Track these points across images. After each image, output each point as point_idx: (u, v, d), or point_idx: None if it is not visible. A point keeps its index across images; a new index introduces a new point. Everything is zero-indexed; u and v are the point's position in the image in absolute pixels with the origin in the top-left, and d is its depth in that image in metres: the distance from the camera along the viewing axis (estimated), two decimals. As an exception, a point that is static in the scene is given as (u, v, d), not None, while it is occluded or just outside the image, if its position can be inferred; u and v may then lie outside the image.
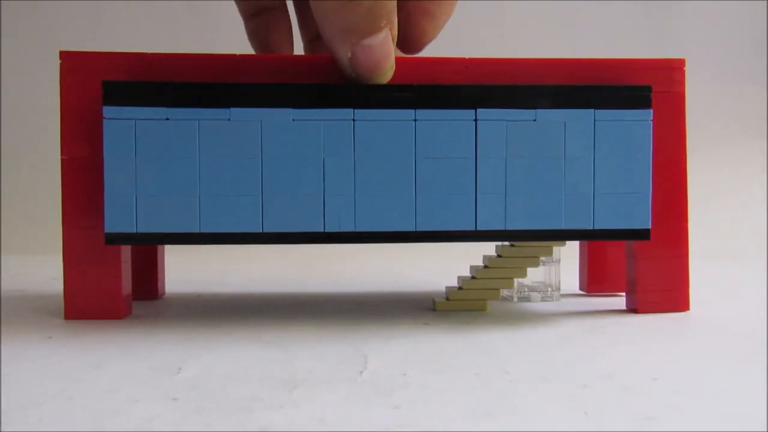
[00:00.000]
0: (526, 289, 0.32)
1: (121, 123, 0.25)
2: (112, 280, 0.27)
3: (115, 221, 0.25)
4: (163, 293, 0.34)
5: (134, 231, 0.26)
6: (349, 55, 0.25)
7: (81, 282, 0.27)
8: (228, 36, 0.45)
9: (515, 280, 0.30)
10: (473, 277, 0.30)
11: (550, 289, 0.32)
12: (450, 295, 0.30)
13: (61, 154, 0.27)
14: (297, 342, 0.23)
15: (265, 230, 0.26)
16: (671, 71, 0.29)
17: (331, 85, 0.26)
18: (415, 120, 0.26)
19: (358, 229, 0.26)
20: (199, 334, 0.24)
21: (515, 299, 0.32)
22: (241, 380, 0.18)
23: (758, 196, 0.70)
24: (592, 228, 0.27)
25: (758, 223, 0.65)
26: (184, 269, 0.45)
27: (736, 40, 0.76)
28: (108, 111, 0.25)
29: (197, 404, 0.16)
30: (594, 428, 0.15)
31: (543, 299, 0.32)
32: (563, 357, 0.21)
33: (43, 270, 0.43)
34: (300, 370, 0.20)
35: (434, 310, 0.30)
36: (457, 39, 0.46)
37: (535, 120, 0.27)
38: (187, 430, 0.15)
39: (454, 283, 0.31)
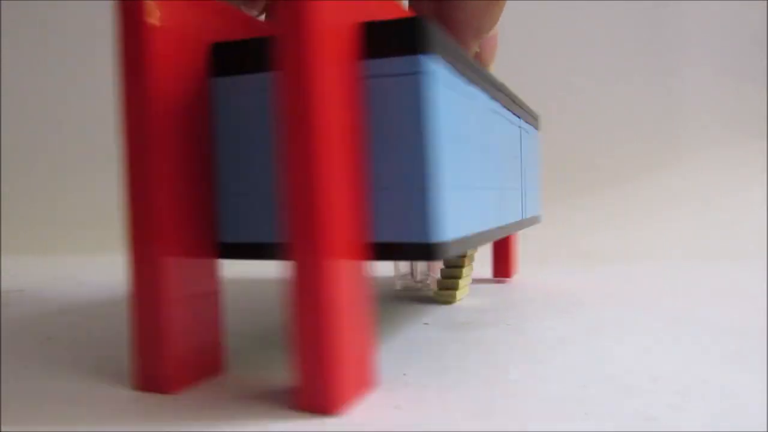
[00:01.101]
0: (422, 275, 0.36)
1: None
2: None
3: (444, 224, 0.16)
4: None
5: (460, 236, 0.18)
6: (477, 49, 0.25)
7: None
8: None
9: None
10: (459, 267, 0.33)
11: (431, 274, 0.36)
12: (458, 285, 0.32)
13: (315, 112, 0.14)
14: (297, 342, 0.23)
15: (500, 225, 0.24)
16: None
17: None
18: (519, 118, 0.29)
19: (503, 223, 0.26)
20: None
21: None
22: (241, 380, 0.18)
23: (758, 196, 0.70)
24: (533, 216, 0.34)
25: (758, 223, 0.65)
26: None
27: (736, 40, 0.76)
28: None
29: (198, 404, 0.16)
30: (594, 428, 0.15)
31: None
32: (563, 357, 0.21)
33: (43, 270, 0.43)
34: (300, 370, 0.20)
35: (451, 303, 0.31)
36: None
37: (520, 127, 0.31)
38: (188, 430, 0.15)
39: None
